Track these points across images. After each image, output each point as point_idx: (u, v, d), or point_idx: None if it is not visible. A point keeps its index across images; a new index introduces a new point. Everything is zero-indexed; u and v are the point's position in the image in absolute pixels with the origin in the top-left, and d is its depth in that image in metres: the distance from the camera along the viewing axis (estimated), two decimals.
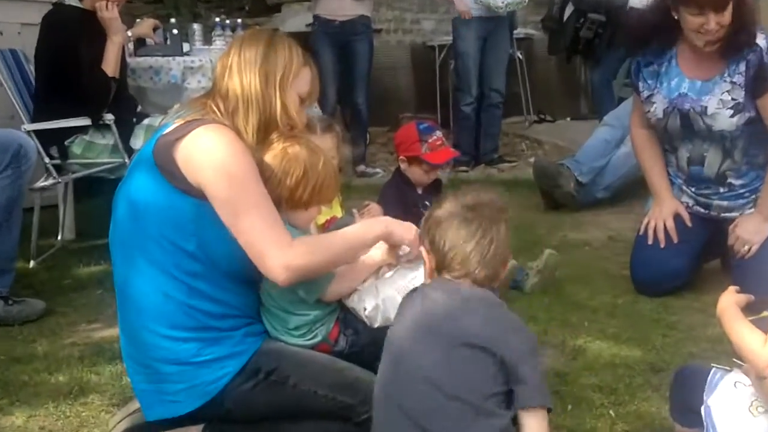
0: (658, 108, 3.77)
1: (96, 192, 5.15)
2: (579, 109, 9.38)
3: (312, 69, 2.54)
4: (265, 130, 2.44)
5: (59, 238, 4.69)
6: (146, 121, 4.41)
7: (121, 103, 4.37)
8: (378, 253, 2.54)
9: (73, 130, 4.33)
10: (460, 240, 1.99)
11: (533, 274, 3.88)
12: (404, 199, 3.93)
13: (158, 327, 2.37)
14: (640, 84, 3.84)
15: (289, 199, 2.44)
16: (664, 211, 3.86)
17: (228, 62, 2.45)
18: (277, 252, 2.26)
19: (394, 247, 2.52)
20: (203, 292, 2.36)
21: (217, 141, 2.30)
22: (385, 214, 3.85)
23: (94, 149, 4.36)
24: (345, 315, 2.57)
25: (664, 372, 3.04)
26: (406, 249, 2.52)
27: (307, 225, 2.58)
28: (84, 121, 4.30)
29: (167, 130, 2.37)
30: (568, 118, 9.09)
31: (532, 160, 7.29)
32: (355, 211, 3.67)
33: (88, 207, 4.98)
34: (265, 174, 2.39)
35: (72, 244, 4.81)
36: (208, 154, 2.29)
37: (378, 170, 7.08)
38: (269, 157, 2.43)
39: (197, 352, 2.37)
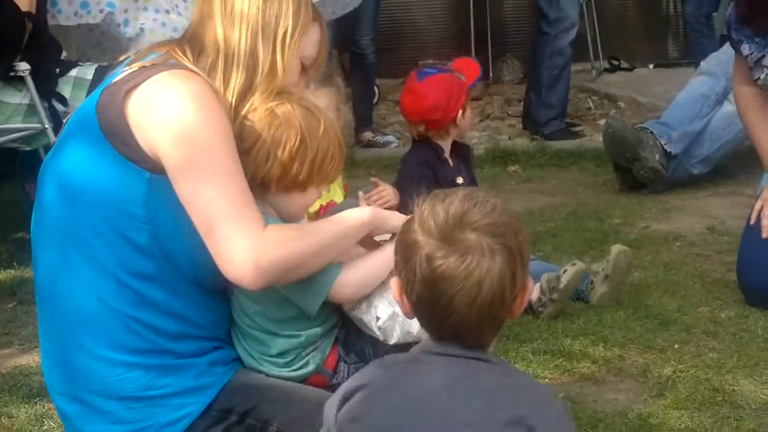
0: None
1: (4, 169, 5.20)
2: (666, 53, 9.37)
3: (322, 28, 2.55)
4: (249, 93, 2.45)
5: None
6: (74, 72, 4.42)
7: (38, 49, 4.38)
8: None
9: None
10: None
11: (599, 280, 3.90)
12: (437, 178, 3.98)
13: (93, 345, 2.37)
14: (744, 43, 3.86)
15: (281, 178, 2.45)
16: None
17: (210, 6, 2.46)
18: (243, 242, 2.25)
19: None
20: (156, 302, 2.37)
21: (183, 91, 2.30)
22: (406, 199, 3.92)
23: (3, 111, 4.38)
24: (346, 335, 2.58)
25: None
26: None
27: (303, 213, 2.59)
28: None
29: (115, 79, 2.37)
30: (651, 65, 9.10)
31: (602, 123, 7.32)
32: (361, 193, 3.70)
33: None
34: (246, 144, 2.40)
35: None
36: (169, 108, 2.29)
37: (390, 138, 7.10)
38: (252, 120, 2.43)
39: (147, 384, 2.38)
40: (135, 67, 2.38)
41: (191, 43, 2.46)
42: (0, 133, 4.46)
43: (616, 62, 8.96)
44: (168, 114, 2.28)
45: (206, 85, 2.34)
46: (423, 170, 4.04)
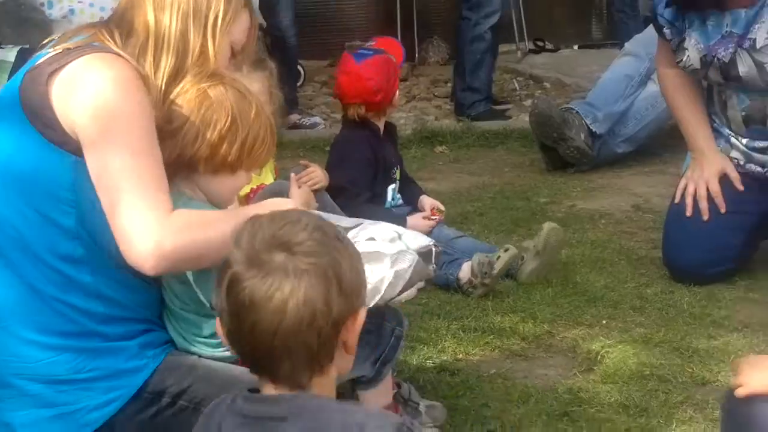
0: (692, 57, 3.84)
1: None
2: (590, 34, 9.44)
3: (251, 14, 2.54)
4: (180, 76, 2.43)
5: None
6: None
7: None
8: None
9: None
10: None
11: (530, 257, 3.93)
12: (376, 158, 4.02)
13: (21, 329, 2.35)
14: (665, 27, 3.91)
15: (209, 159, 2.42)
16: (707, 171, 3.91)
17: None
18: (146, 225, 2.22)
19: None
20: (84, 284, 2.34)
21: (106, 72, 2.28)
22: (341, 180, 3.94)
23: None
24: None
25: (710, 386, 3.10)
26: None
27: (232, 196, 2.58)
28: None
29: (40, 61, 2.34)
30: (575, 46, 9.14)
31: (527, 103, 7.36)
32: (293, 174, 3.69)
33: None
34: (174, 123, 2.38)
35: None
36: (89, 87, 2.27)
37: (316, 119, 7.06)
38: (182, 102, 2.41)
39: (76, 367, 2.35)
40: (59, 49, 2.35)
41: (119, 25, 2.43)
42: None
43: (540, 44, 9.00)
44: (88, 92, 2.26)
45: (130, 68, 2.32)
46: (364, 151, 4.07)
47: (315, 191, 3.82)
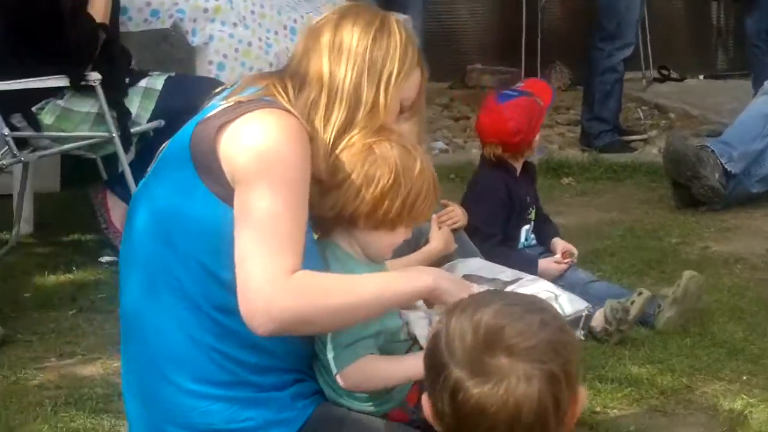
0: None
1: (68, 174, 5.21)
2: (715, 64, 9.28)
3: (423, 73, 2.54)
4: (348, 131, 2.44)
5: (14, 233, 4.74)
6: (143, 83, 4.42)
7: (110, 59, 4.38)
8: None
9: (45, 92, 4.33)
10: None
11: (668, 304, 3.85)
12: (511, 199, 4.02)
13: (177, 377, 2.39)
14: None
15: (369, 215, 2.43)
16: None
17: (316, 41, 2.44)
18: (261, 283, 2.22)
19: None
20: (238, 333, 2.35)
21: (273, 126, 2.30)
22: (475, 220, 3.92)
23: (72, 118, 4.38)
24: None
25: None
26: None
27: (389, 252, 2.56)
28: (60, 81, 4.31)
29: (211, 114, 2.38)
30: (701, 76, 9.00)
31: (653, 134, 7.27)
32: (434, 217, 3.70)
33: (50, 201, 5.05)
34: (338, 177, 2.40)
35: (29, 240, 4.86)
36: (257, 134, 2.30)
37: (439, 143, 7.04)
38: (347, 156, 2.42)
39: (230, 417, 2.38)
40: (231, 101, 2.38)
41: (293, 77, 2.45)
42: (69, 140, 4.45)
43: (666, 72, 8.87)
44: (254, 138, 2.30)
45: (299, 124, 2.34)
46: (499, 191, 4.06)
47: (454, 231, 3.84)
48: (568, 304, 2.56)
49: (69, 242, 4.84)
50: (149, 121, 4.42)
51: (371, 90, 2.42)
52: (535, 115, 4.07)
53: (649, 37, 8.58)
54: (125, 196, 4.43)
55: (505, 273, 2.77)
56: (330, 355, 2.41)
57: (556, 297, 2.56)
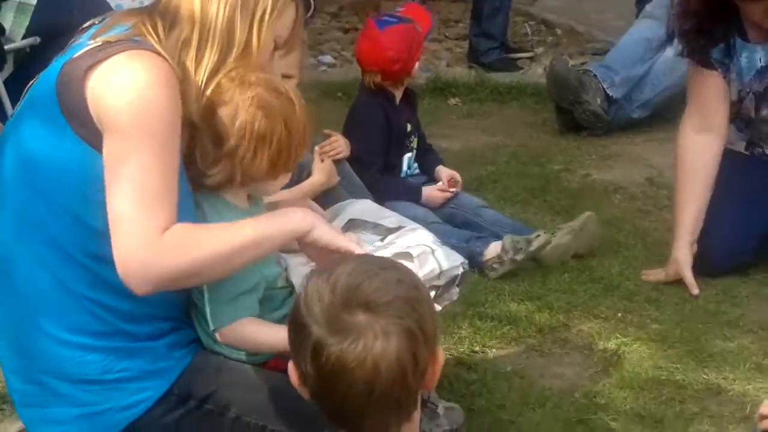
0: (732, 92, 3.83)
1: None
2: None
3: (299, 7, 2.48)
4: (220, 71, 2.37)
5: None
6: None
7: None
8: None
9: None
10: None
11: (563, 233, 3.87)
12: (390, 126, 4.04)
13: (51, 328, 2.34)
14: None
15: (270, 170, 2.39)
16: (669, 268, 3.81)
17: None
18: (136, 245, 2.18)
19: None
20: (112, 282, 2.29)
21: (144, 71, 2.23)
22: (359, 149, 3.89)
23: None
24: None
25: (725, 395, 3.11)
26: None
27: (278, 189, 2.54)
28: None
29: (76, 54, 2.29)
30: None
31: (539, 51, 7.28)
32: (316, 148, 3.67)
33: None
34: (229, 143, 2.34)
35: None
36: (126, 83, 2.22)
37: (327, 57, 6.95)
38: (225, 116, 2.35)
39: (105, 367, 2.35)
40: (99, 41, 2.30)
41: (163, 15, 2.37)
42: None
43: None
44: (123, 86, 2.22)
45: (169, 68, 2.27)
46: (378, 119, 4.04)
47: (337, 161, 3.81)
48: (444, 259, 2.54)
49: None
50: (24, 37, 4.25)
51: (244, 29, 2.36)
52: (414, 42, 4.03)
53: None
54: (2, 111, 4.30)
55: (389, 219, 2.75)
56: (207, 309, 2.38)
57: (433, 251, 2.54)
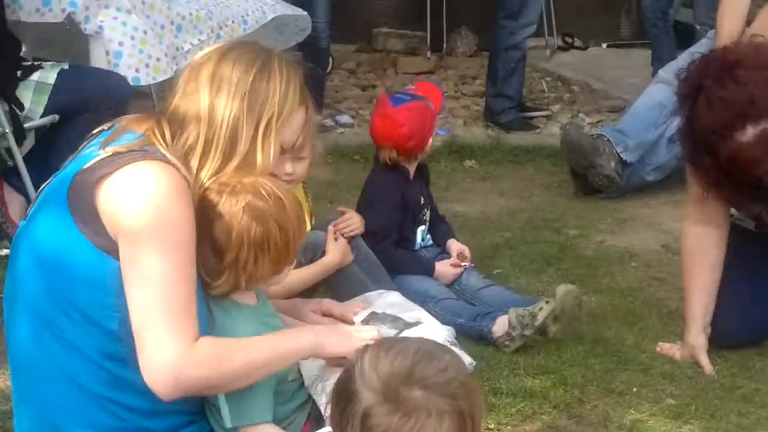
0: None
1: None
2: (618, 31, 9.34)
3: (308, 110, 2.53)
4: (221, 174, 2.43)
5: None
6: (36, 76, 4.32)
7: None
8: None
9: None
10: None
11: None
12: (405, 201, 4.09)
13: (68, 425, 2.38)
14: None
15: (272, 271, 2.45)
16: (683, 351, 3.78)
17: (196, 82, 2.41)
18: (168, 353, 2.24)
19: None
20: (130, 381, 2.35)
21: (158, 182, 2.28)
22: (374, 224, 3.92)
23: None
24: (319, 411, 2.57)
25: None
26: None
27: (284, 279, 2.58)
28: None
29: (87, 165, 2.34)
30: (604, 44, 9.07)
31: (556, 108, 7.32)
32: (330, 227, 3.70)
33: None
34: (230, 255, 2.39)
35: None
36: (136, 199, 2.27)
37: (345, 118, 6.98)
38: (221, 230, 2.40)
39: None
40: (109, 151, 2.34)
41: (171, 120, 2.42)
42: None
43: (570, 40, 8.92)
44: (134, 199, 2.27)
45: (180, 178, 2.32)
46: (393, 194, 4.07)
47: (351, 238, 3.84)
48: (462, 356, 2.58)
49: None
50: (43, 115, 4.32)
51: (248, 137, 2.41)
52: (428, 119, 4.07)
53: (552, 3, 8.61)
54: (23, 188, 4.36)
55: (410, 313, 2.82)
56: (224, 407, 2.40)
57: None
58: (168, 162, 2.32)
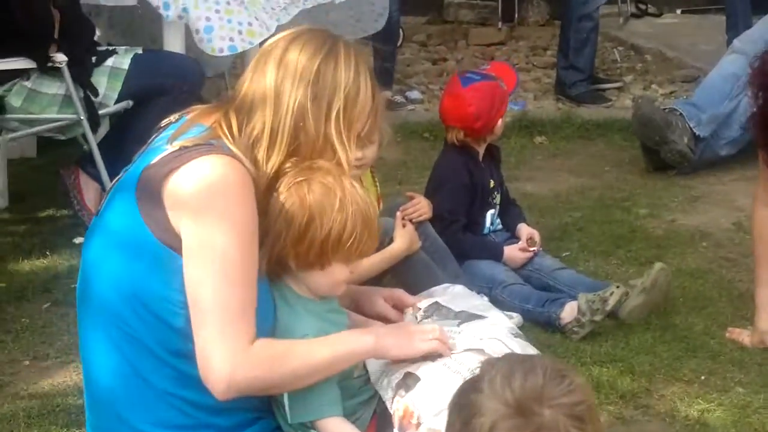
0: None
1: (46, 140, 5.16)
2: None
3: (376, 97, 2.49)
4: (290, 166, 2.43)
5: None
6: (110, 62, 4.38)
7: (72, 37, 4.33)
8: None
9: (11, 73, 4.30)
10: None
11: (636, 293, 3.86)
12: (474, 184, 4.07)
13: (135, 420, 2.41)
14: None
15: (295, 257, 2.44)
16: (753, 337, 3.75)
17: (263, 70, 2.41)
18: (224, 354, 2.26)
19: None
20: (196, 377, 2.35)
21: (219, 178, 2.30)
22: (442, 207, 3.92)
23: (39, 101, 4.35)
24: (385, 406, 2.59)
25: None
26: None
27: (334, 289, 2.55)
28: (26, 63, 4.28)
29: (155, 160, 2.36)
30: (678, 11, 8.93)
31: (629, 79, 7.24)
32: (399, 214, 3.71)
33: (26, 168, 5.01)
34: (267, 221, 2.40)
35: (4, 216, 4.86)
36: (202, 194, 2.29)
37: (414, 93, 6.95)
38: (275, 199, 2.41)
39: None
40: (176, 146, 2.36)
41: (238, 111, 2.43)
42: (37, 122, 4.44)
43: (643, 6, 8.80)
44: (201, 199, 2.28)
45: (244, 172, 2.33)
46: (461, 177, 4.06)
47: (420, 223, 3.85)
48: (519, 351, 2.57)
49: (44, 218, 4.82)
50: (117, 101, 4.39)
51: (315, 126, 2.40)
52: (497, 99, 4.04)
53: None
54: (98, 175, 4.44)
55: (473, 305, 2.80)
56: (287, 404, 2.43)
57: (506, 345, 2.57)
58: (233, 156, 2.33)
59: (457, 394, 1.83)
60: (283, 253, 2.43)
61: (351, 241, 2.44)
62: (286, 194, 2.40)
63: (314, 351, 2.39)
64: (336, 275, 2.49)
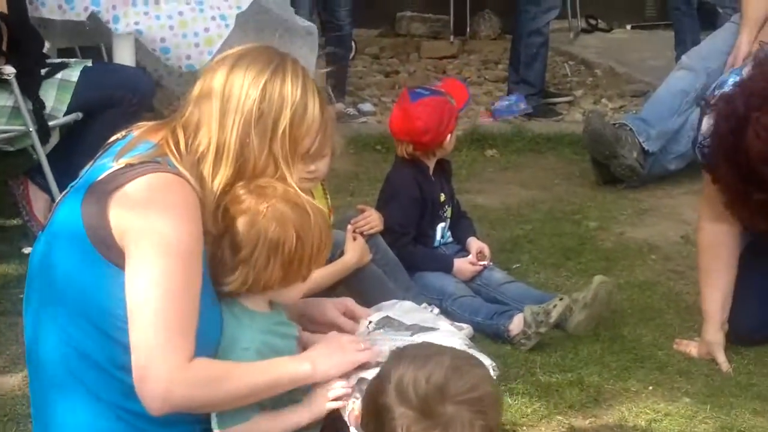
0: None
1: None
2: (642, 13, 9.30)
3: (325, 113, 2.51)
4: (236, 184, 2.44)
5: None
6: (60, 75, 4.36)
7: (20, 49, 4.30)
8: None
9: None
10: None
11: (578, 308, 3.90)
12: (423, 197, 4.10)
13: None
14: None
15: (283, 279, 2.47)
16: (700, 348, 3.79)
17: (209, 87, 2.43)
18: (161, 371, 2.26)
19: None
20: None
21: (162, 197, 2.31)
22: (393, 220, 3.95)
23: None
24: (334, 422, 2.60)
25: None
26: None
27: (299, 297, 2.60)
28: None
29: (101, 177, 2.37)
30: (628, 26, 9.03)
31: (579, 93, 7.31)
32: (350, 227, 3.73)
33: None
34: (244, 252, 2.41)
35: None
36: (144, 212, 2.29)
37: (367, 105, 6.98)
38: (241, 225, 2.42)
39: None
40: (121, 164, 2.36)
41: (185, 127, 2.44)
42: None
43: (593, 21, 8.89)
44: (141, 212, 2.29)
45: (189, 190, 2.34)
46: (411, 190, 4.08)
47: (371, 235, 3.87)
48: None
49: None
50: (66, 113, 4.37)
51: (259, 144, 2.42)
52: (445, 115, 4.06)
53: None
54: (47, 186, 4.41)
55: (424, 318, 2.84)
56: (212, 414, 2.44)
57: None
58: (178, 174, 2.34)
59: (368, 395, 1.91)
60: (271, 280, 2.46)
61: (326, 246, 2.52)
62: (261, 223, 2.42)
63: (251, 375, 2.40)
64: (309, 282, 2.57)
